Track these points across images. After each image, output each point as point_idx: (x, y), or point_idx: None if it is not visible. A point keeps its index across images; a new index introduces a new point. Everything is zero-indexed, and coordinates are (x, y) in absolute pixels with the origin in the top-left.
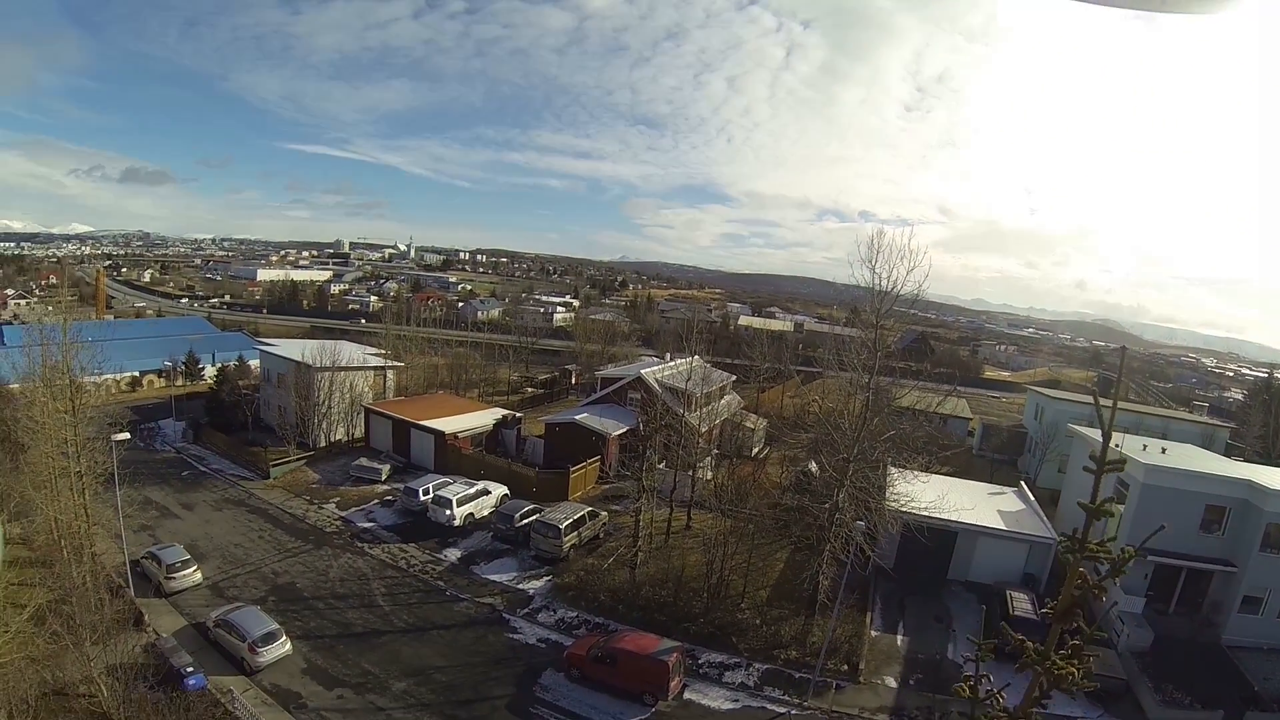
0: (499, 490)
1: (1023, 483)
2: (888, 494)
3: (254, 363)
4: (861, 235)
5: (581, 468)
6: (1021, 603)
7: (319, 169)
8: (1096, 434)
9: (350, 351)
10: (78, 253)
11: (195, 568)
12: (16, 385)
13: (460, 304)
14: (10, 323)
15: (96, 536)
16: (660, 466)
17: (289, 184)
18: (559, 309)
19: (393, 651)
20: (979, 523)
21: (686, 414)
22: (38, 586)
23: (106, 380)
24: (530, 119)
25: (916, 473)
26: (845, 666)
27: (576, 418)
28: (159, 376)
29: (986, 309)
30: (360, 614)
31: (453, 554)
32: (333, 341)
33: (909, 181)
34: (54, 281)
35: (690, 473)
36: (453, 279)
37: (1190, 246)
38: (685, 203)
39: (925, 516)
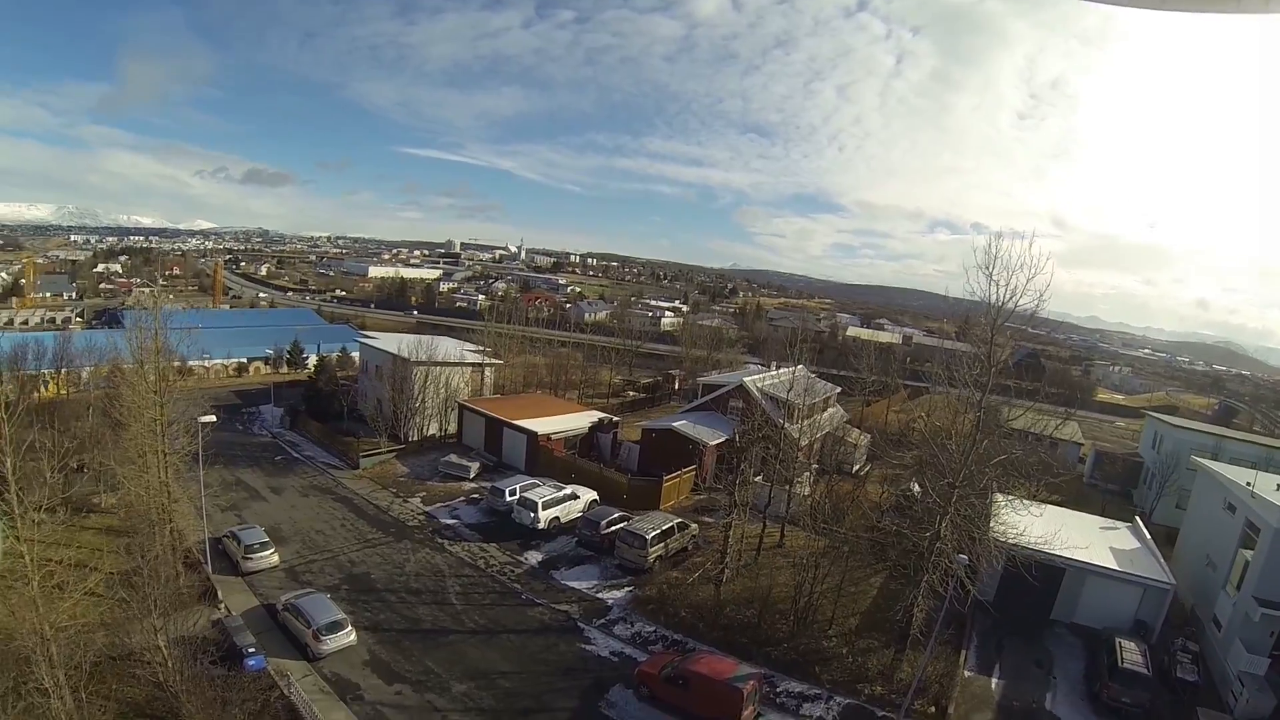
0: (588, 495)
1: (1138, 518)
2: (993, 523)
3: (356, 355)
4: (976, 244)
5: (675, 477)
6: (1131, 654)
7: (432, 172)
8: (1225, 469)
9: (448, 347)
10: (201, 247)
11: (273, 550)
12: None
13: (568, 305)
14: (133, 308)
15: (182, 513)
16: (757, 480)
17: (403, 186)
18: (667, 313)
19: (459, 651)
20: (1089, 560)
21: (787, 425)
22: (119, 554)
23: (215, 365)
24: (641, 125)
25: (1024, 500)
26: (933, 709)
27: (674, 425)
28: (265, 364)
29: (1100, 327)
30: (431, 610)
31: (534, 557)
32: (429, 336)
33: (1022, 192)
34: (177, 272)
35: (787, 487)
36: (562, 281)
37: None
38: (796, 211)
39: (1032, 550)
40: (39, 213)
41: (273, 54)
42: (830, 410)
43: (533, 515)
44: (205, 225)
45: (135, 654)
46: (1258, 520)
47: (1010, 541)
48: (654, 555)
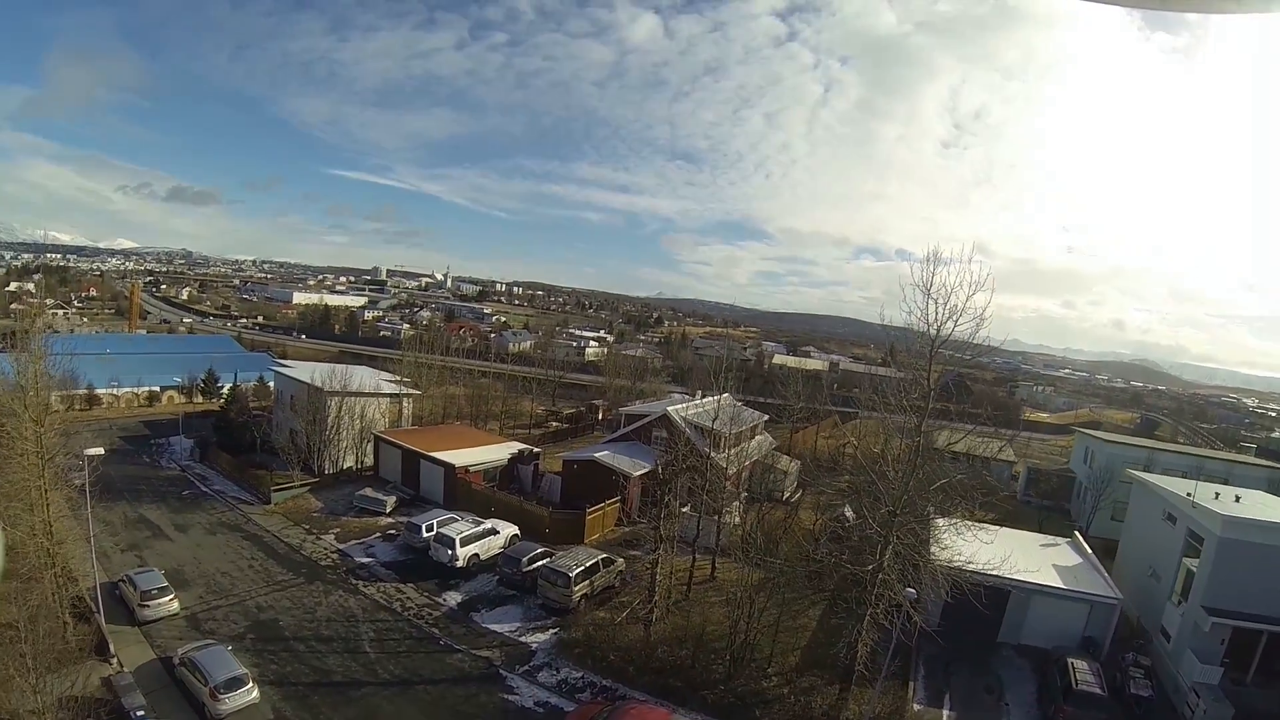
0: (509, 530)
1: (1077, 533)
2: (934, 548)
3: (273, 384)
4: (904, 268)
5: (599, 509)
6: (1084, 674)
7: (360, 195)
8: (1160, 480)
9: (364, 377)
10: (121, 267)
11: (172, 596)
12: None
13: (493, 335)
14: (42, 332)
15: (75, 555)
16: (684, 510)
17: (329, 208)
18: (591, 343)
19: (371, 707)
20: (1033, 580)
21: (714, 454)
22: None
23: (125, 393)
24: (570, 151)
25: (963, 522)
26: None
27: (596, 455)
28: (179, 392)
29: (1022, 349)
30: (342, 660)
31: (453, 598)
32: (344, 366)
33: (946, 219)
34: (94, 294)
35: (716, 517)
36: (487, 310)
37: (1228, 284)
38: (723, 239)
39: (976, 573)
40: None
41: (204, 64)
42: (759, 438)
43: (450, 552)
44: (127, 244)
45: (18, 716)
46: (1200, 530)
47: (954, 566)
48: (579, 594)
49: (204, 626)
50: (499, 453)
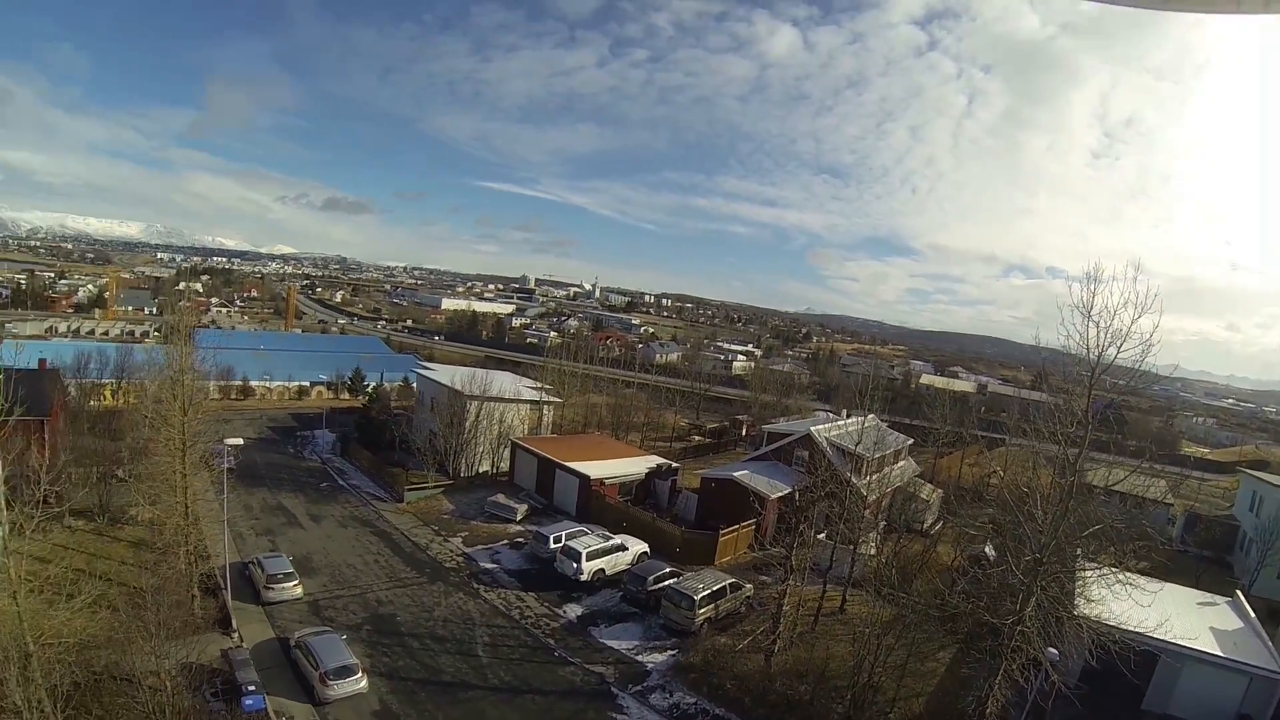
0: (638, 547)
1: (1238, 592)
2: (1079, 600)
3: (415, 385)
4: (1058, 287)
5: (733, 531)
6: None
7: (508, 206)
8: None
9: (505, 382)
10: (280, 271)
11: (297, 581)
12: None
13: (640, 346)
14: (206, 327)
15: (211, 535)
16: (820, 538)
17: (478, 219)
18: (739, 357)
19: (476, 710)
20: (1188, 644)
21: (854, 479)
22: (140, 570)
23: (277, 386)
24: (715, 165)
25: (1113, 572)
26: None
27: (735, 474)
28: (327, 389)
29: (1182, 376)
30: (454, 661)
31: (573, 610)
32: (485, 370)
33: (1098, 235)
34: (254, 294)
35: (852, 548)
36: (635, 320)
37: None
38: (870, 255)
39: (1125, 634)
40: (129, 230)
41: (353, 86)
42: (902, 463)
43: (576, 565)
44: (286, 250)
45: (135, 677)
46: None
47: (1102, 624)
48: (702, 617)
49: (324, 614)
50: (637, 466)
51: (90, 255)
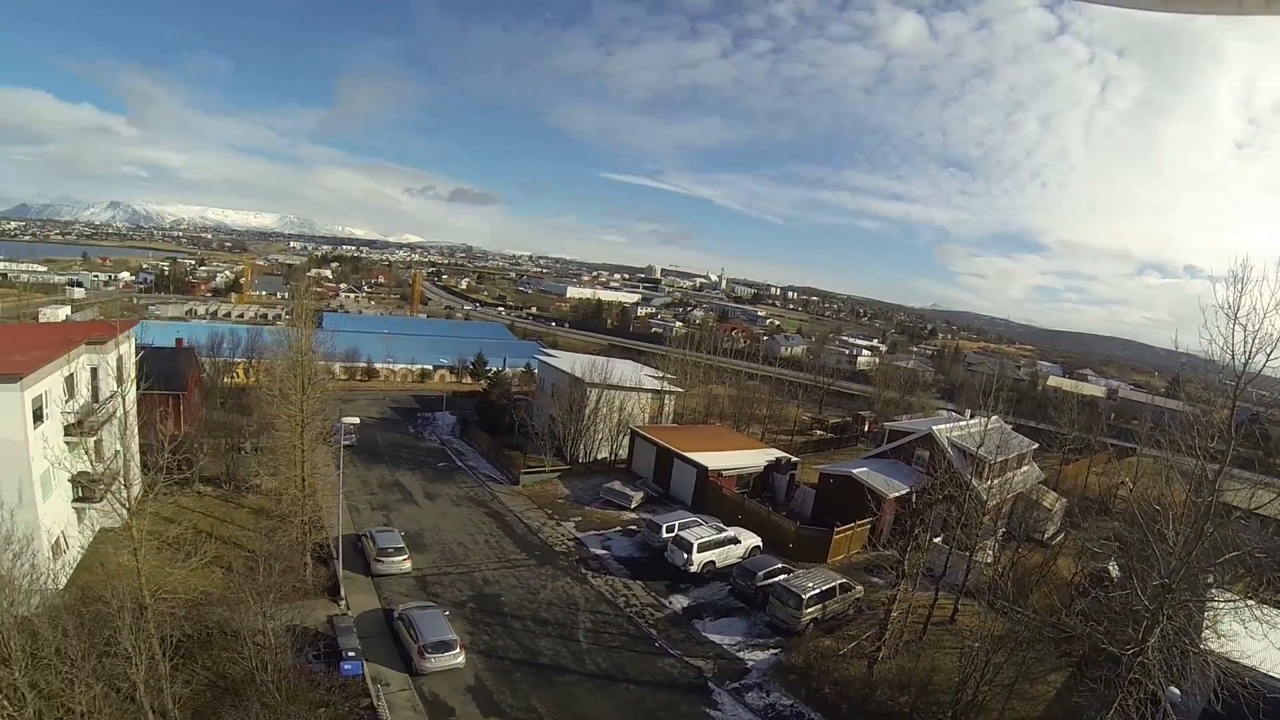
0: (750, 540)
1: None
2: (1207, 633)
3: (537, 371)
4: (1189, 290)
5: (848, 530)
6: None
7: (634, 197)
8: None
9: (626, 371)
10: (407, 259)
11: (406, 556)
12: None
13: (765, 338)
14: (334, 311)
15: (329, 507)
16: (936, 542)
17: (604, 210)
18: (863, 352)
19: (569, 694)
20: None
21: (975, 483)
22: (259, 536)
23: (401, 369)
24: (841, 158)
25: (1248, 604)
26: None
27: (853, 471)
28: (450, 372)
29: None
30: (553, 644)
31: (679, 602)
32: (605, 358)
33: (1243, 231)
34: (382, 281)
35: (968, 555)
36: (761, 313)
37: None
38: (997, 251)
39: (1259, 674)
40: (264, 220)
41: (478, 82)
42: (1025, 468)
43: (686, 556)
44: (413, 239)
45: (242, 634)
46: None
47: (1232, 661)
48: (809, 617)
49: (430, 589)
50: (756, 458)
51: (228, 244)
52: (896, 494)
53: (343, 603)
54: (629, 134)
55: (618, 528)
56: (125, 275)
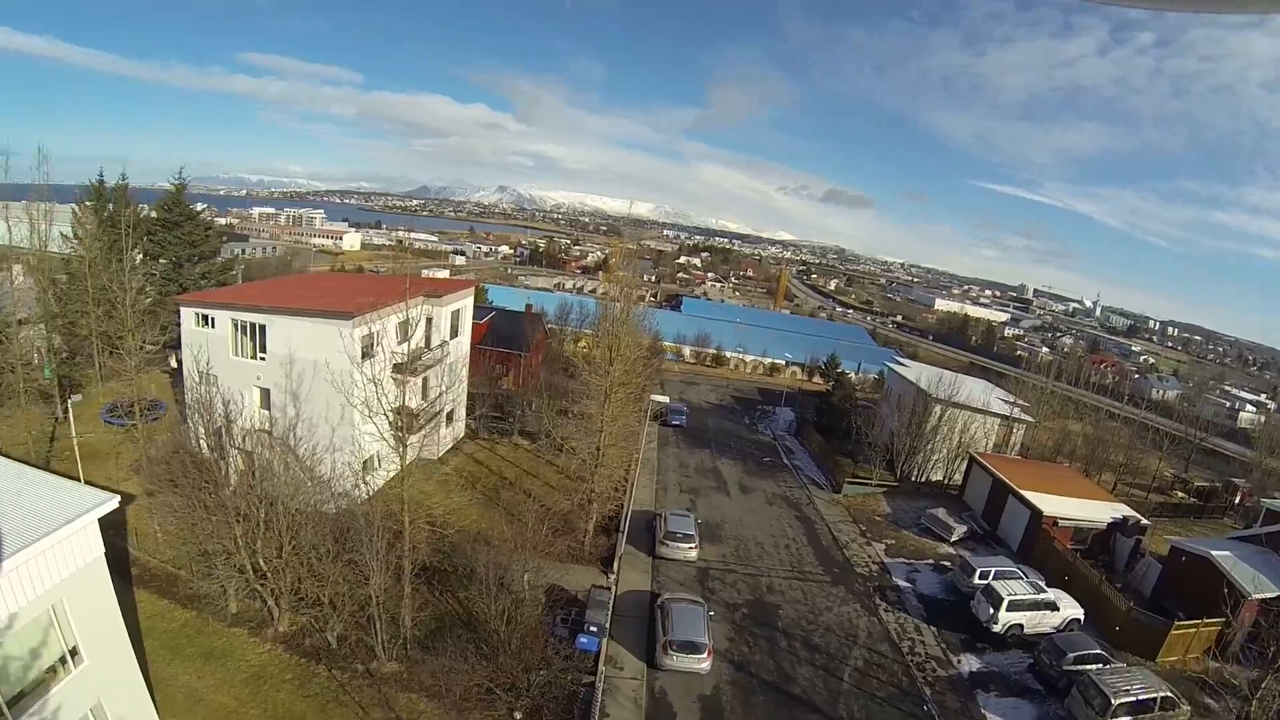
0: (1070, 610)
1: None
2: None
3: (886, 379)
4: None
5: (1191, 626)
6: None
7: (1009, 209)
8: None
9: (975, 390)
10: (778, 255)
11: (694, 545)
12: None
13: (1135, 375)
14: (697, 298)
15: (644, 483)
16: None
17: (979, 222)
18: (1248, 407)
19: None
20: None
21: None
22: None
23: (751, 360)
24: (1239, 171)
25: None
26: None
27: (1213, 553)
28: (801, 370)
29: None
30: (812, 676)
31: (969, 664)
32: (955, 374)
33: None
34: (750, 274)
35: None
36: (1135, 347)
37: None
38: None
39: None
40: (640, 209)
41: (846, 83)
42: None
43: (991, 612)
44: (785, 236)
45: (505, 580)
46: None
47: None
48: None
49: (709, 583)
50: (1099, 512)
51: (604, 228)
52: (1263, 595)
53: (612, 577)
54: (1003, 139)
55: (929, 560)
56: (504, 249)
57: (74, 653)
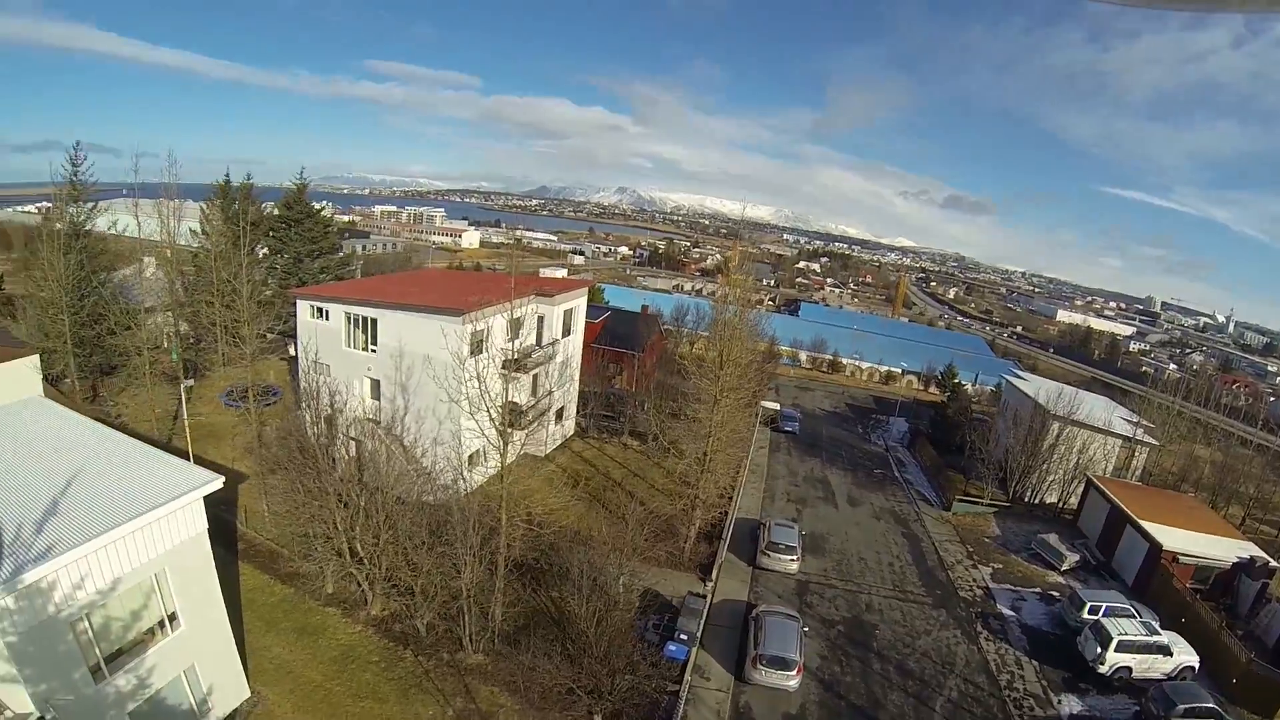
0: (1184, 657)
1: None
2: None
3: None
4: None
5: None
6: None
7: (1136, 216)
8: None
9: (1096, 408)
10: (897, 262)
11: (795, 557)
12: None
13: (1272, 399)
14: (815, 303)
15: (752, 490)
16: None
17: (1104, 229)
18: None
19: None
20: None
21: None
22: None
23: (867, 367)
24: None
25: None
26: None
27: None
28: (917, 379)
29: None
30: (901, 703)
31: (1069, 705)
32: (1075, 390)
33: None
34: (868, 280)
35: None
36: (1272, 368)
37: None
38: None
39: None
40: (759, 212)
41: (967, 85)
42: None
43: (1098, 651)
44: (905, 243)
45: (600, 581)
46: None
47: None
48: None
49: (807, 597)
50: (1224, 549)
51: (723, 231)
52: None
53: (709, 585)
54: (1132, 141)
55: (1037, 589)
56: (623, 249)
57: (173, 618)
